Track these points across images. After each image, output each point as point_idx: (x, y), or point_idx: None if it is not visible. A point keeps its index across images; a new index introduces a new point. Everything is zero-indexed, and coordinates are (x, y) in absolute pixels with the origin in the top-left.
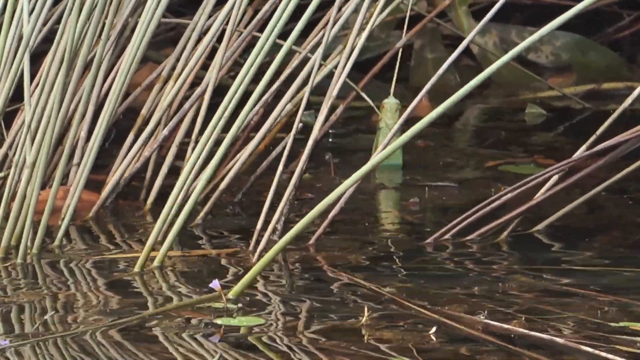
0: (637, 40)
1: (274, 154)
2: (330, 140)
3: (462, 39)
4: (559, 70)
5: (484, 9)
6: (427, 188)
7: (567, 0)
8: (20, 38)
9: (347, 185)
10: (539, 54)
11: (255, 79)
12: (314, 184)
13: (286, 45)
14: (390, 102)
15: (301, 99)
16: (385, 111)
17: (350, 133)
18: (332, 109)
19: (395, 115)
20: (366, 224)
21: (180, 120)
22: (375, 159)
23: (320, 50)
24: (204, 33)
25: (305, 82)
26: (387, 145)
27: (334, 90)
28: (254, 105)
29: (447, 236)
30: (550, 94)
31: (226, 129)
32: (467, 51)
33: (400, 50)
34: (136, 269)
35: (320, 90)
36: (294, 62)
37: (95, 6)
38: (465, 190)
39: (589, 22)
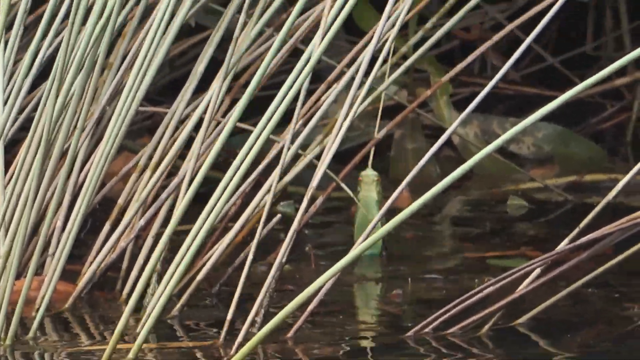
0: (619, 132)
1: (251, 245)
2: (306, 232)
3: (443, 129)
4: (540, 162)
5: (465, 99)
6: (409, 280)
7: (549, 91)
8: None
9: (326, 277)
10: (521, 145)
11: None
12: (294, 276)
13: (264, 134)
14: (368, 173)
15: (281, 190)
16: (363, 183)
17: (329, 224)
18: (312, 200)
19: (372, 187)
20: (346, 316)
21: (157, 211)
22: (354, 251)
23: (299, 139)
24: (181, 122)
25: (285, 173)
26: (367, 237)
27: (314, 180)
28: (231, 195)
29: (427, 329)
30: (532, 185)
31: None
32: (448, 142)
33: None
34: None
35: (300, 180)
36: (272, 151)
37: (72, 95)
38: (449, 283)
39: (572, 113)
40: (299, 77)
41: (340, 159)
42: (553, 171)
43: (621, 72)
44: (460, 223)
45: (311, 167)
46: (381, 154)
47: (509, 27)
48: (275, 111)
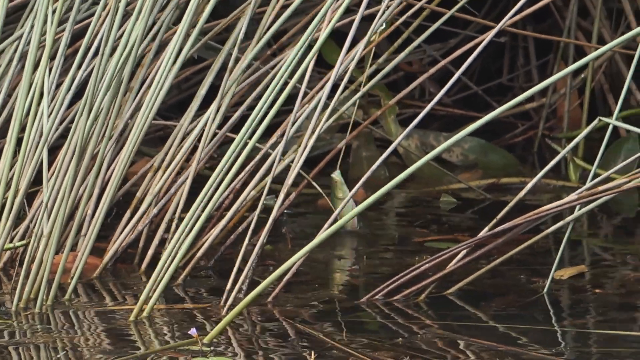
0: (528, 145)
1: (240, 229)
2: (284, 219)
3: (390, 141)
4: (467, 168)
5: (408, 118)
6: (365, 257)
7: (473, 112)
8: (41, 134)
9: (300, 255)
10: (451, 154)
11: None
12: (275, 254)
13: (251, 142)
14: (337, 173)
15: (264, 186)
16: (335, 181)
17: (302, 213)
18: (287, 194)
19: (342, 185)
20: (315, 285)
21: (168, 202)
22: (320, 235)
23: (279, 147)
24: (187, 133)
25: (267, 173)
26: (333, 222)
27: (289, 179)
28: (225, 190)
29: (378, 296)
30: (459, 186)
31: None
32: (394, 151)
33: (342, 149)
34: (131, 318)
35: (278, 179)
36: (258, 156)
37: (101, 110)
38: (396, 260)
39: (491, 130)
40: (278, 99)
41: (310, 163)
42: (476, 175)
43: (530, 99)
44: (404, 214)
45: (288, 169)
46: (342, 160)
47: (443, 62)
48: (259, 125)
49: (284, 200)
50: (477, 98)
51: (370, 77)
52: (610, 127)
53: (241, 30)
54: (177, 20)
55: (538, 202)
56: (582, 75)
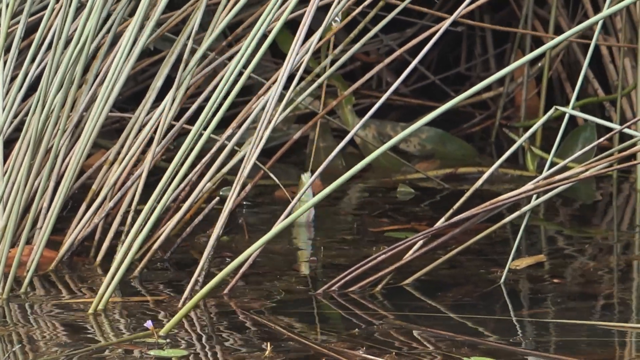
0: (486, 135)
1: (196, 221)
2: (244, 210)
3: (347, 131)
4: (424, 158)
5: (366, 108)
6: (322, 248)
7: (431, 102)
8: None
9: (255, 247)
10: (408, 144)
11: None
12: (231, 245)
13: (206, 133)
14: (306, 176)
15: (219, 178)
16: (303, 183)
17: (259, 204)
18: (244, 185)
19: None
20: (271, 277)
21: (124, 195)
22: (276, 227)
23: (235, 139)
24: (143, 125)
25: (223, 165)
26: (289, 214)
27: (245, 170)
28: (181, 182)
29: (334, 287)
30: (417, 176)
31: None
32: (352, 142)
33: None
34: (89, 311)
35: (236, 171)
36: (214, 148)
37: (55, 104)
38: (353, 250)
39: (448, 119)
40: (233, 89)
41: (267, 154)
42: (434, 165)
43: (487, 88)
44: (361, 205)
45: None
46: (298, 150)
47: (399, 51)
48: (214, 116)
49: (240, 192)
50: (435, 88)
51: (326, 68)
52: (567, 116)
53: (196, 22)
54: (132, 12)
55: (496, 192)
56: (540, 64)
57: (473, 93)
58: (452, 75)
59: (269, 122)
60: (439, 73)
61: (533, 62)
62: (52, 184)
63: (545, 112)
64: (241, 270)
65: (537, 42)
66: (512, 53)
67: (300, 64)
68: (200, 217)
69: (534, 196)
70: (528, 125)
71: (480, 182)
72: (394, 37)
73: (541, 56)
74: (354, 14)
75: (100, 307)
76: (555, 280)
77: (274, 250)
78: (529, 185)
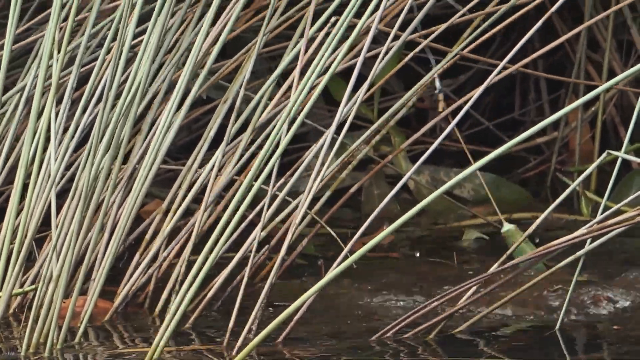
0: (541, 180)
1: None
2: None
3: (401, 177)
4: (478, 203)
5: (419, 154)
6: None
7: (484, 147)
8: (49, 177)
9: (310, 293)
10: (462, 189)
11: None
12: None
13: (257, 184)
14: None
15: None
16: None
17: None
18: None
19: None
20: (324, 322)
21: (177, 244)
22: (330, 273)
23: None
24: (196, 175)
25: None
26: (344, 259)
27: (297, 218)
28: (233, 232)
29: (389, 334)
30: (472, 222)
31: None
32: (406, 188)
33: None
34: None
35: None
36: (267, 197)
37: (105, 159)
38: (405, 297)
39: (503, 165)
40: (286, 137)
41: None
42: (488, 210)
43: (542, 132)
44: (416, 249)
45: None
46: (352, 197)
47: (458, 102)
48: (266, 164)
49: (291, 240)
50: (490, 134)
51: (380, 114)
52: (620, 159)
53: (248, 70)
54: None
55: (551, 237)
56: (593, 108)
57: (526, 137)
58: (507, 121)
59: (320, 170)
60: (494, 119)
61: (587, 106)
62: (106, 235)
63: (599, 156)
64: (295, 318)
65: (591, 86)
66: (566, 98)
67: (351, 111)
68: (248, 266)
69: (588, 241)
70: (582, 169)
71: (533, 226)
72: (447, 83)
73: (595, 100)
74: (405, 59)
75: (155, 356)
76: (616, 327)
77: (326, 294)
78: (582, 230)
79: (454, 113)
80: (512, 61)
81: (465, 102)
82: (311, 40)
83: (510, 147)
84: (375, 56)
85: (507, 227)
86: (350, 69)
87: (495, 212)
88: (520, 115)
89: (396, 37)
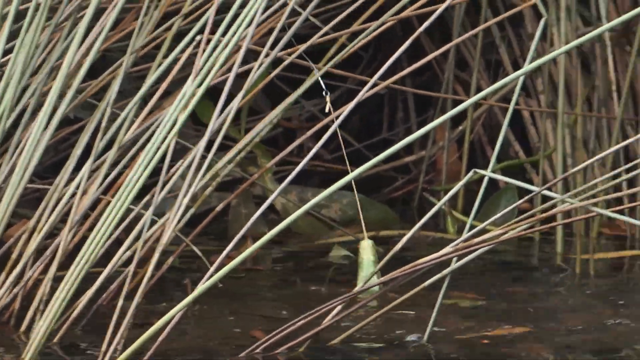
0: (408, 199)
1: (112, 287)
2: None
3: (268, 197)
4: (346, 223)
5: (287, 175)
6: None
7: (353, 167)
8: None
9: (175, 311)
10: (329, 209)
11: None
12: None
13: (125, 204)
14: (367, 242)
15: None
16: (362, 249)
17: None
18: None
19: (369, 251)
20: (193, 340)
21: (42, 263)
22: (197, 290)
23: (151, 208)
24: (62, 194)
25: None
26: (210, 277)
27: (163, 238)
28: (99, 250)
29: (257, 350)
30: (339, 239)
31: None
32: (274, 209)
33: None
34: None
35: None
36: (131, 215)
37: None
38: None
39: (371, 184)
40: (154, 157)
41: (190, 222)
42: (355, 230)
43: (409, 152)
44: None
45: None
46: (218, 217)
47: (324, 120)
48: (135, 185)
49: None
50: (359, 154)
51: (246, 133)
52: (486, 179)
53: (115, 89)
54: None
55: (417, 255)
56: (461, 127)
57: (391, 154)
58: (377, 142)
59: (188, 190)
60: (363, 140)
61: (454, 125)
62: None
63: (466, 175)
64: (161, 336)
65: (459, 104)
66: (434, 118)
67: (219, 131)
68: (114, 284)
69: (454, 259)
70: (448, 188)
71: (400, 244)
72: (315, 102)
73: (463, 119)
74: (270, 76)
75: None
76: (485, 341)
77: (195, 313)
78: (448, 248)
79: (322, 132)
80: (381, 79)
81: (333, 121)
82: (177, 60)
83: (372, 165)
84: (245, 74)
85: (364, 242)
86: (220, 89)
87: (361, 232)
88: (391, 135)
89: (266, 56)
